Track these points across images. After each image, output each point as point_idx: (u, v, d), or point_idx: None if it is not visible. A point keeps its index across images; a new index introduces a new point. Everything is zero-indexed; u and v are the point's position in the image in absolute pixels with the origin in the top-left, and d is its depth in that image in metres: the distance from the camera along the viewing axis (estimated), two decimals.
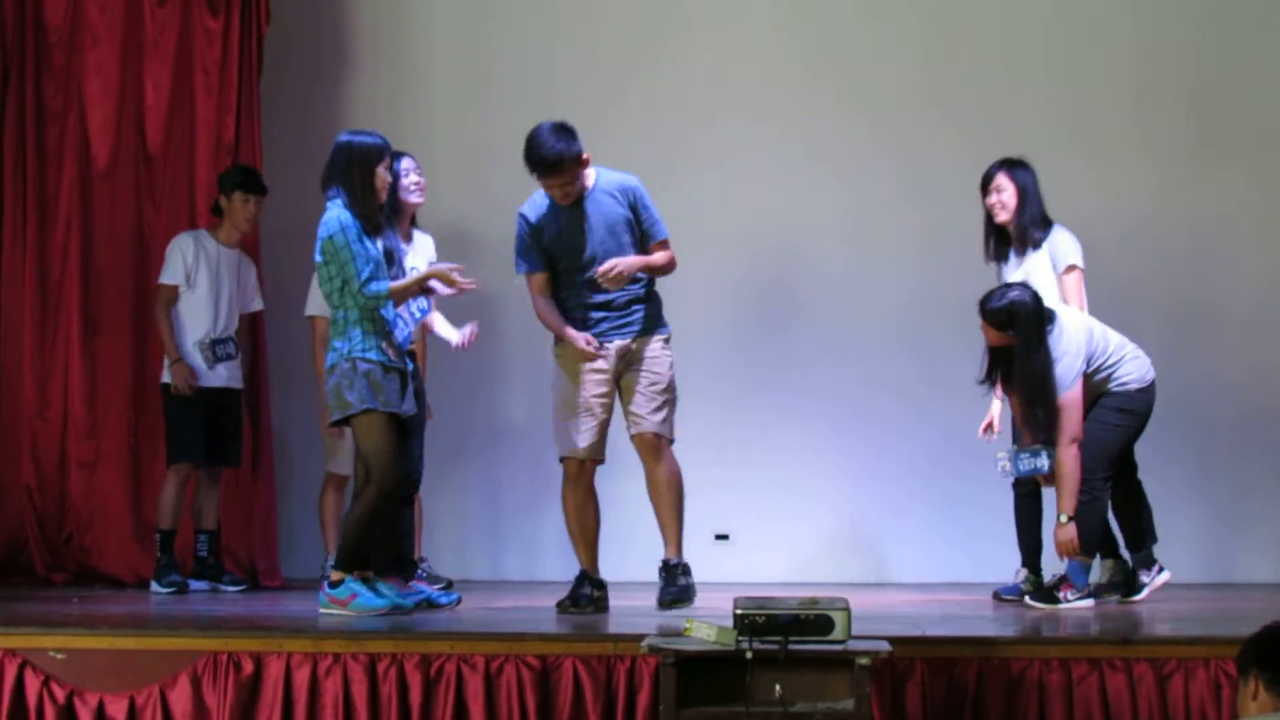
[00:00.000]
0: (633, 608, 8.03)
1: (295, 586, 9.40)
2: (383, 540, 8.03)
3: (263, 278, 9.64)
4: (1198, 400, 9.91)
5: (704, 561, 8.33)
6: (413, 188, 8.73)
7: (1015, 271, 8.71)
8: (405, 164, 8.64)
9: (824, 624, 5.88)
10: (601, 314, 7.98)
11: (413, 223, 8.94)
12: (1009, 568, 8.73)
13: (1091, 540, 8.24)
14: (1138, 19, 10.21)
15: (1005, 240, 8.82)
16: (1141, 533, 8.56)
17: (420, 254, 8.88)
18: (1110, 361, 8.28)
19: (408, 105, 10.39)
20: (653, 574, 7.91)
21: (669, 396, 7.98)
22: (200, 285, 9.24)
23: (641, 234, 8.00)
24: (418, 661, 6.58)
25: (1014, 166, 8.76)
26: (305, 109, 10.30)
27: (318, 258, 7.73)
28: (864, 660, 5.83)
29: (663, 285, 8.16)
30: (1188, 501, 9.84)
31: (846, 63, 10.30)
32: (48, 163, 9.62)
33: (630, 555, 8.77)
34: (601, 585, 8.00)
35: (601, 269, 7.84)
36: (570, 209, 7.96)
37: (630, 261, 7.89)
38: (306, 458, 9.89)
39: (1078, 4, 10.30)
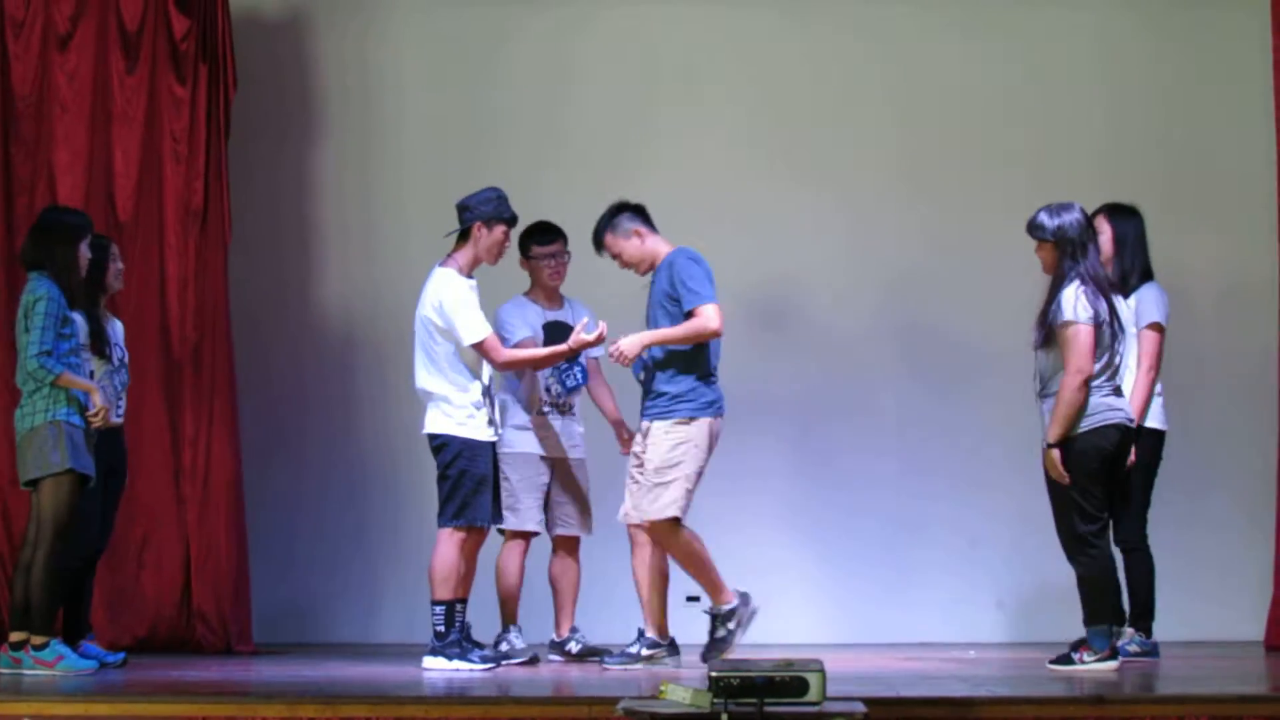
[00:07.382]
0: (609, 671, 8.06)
1: (280, 652, 9.38)
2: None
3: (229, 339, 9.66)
4: None
5: (676, 623, 8.35)
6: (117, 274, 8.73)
7: None
8: (114, 250, 8.67)
9: (799, 686, 5.88)
10: None
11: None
12: (981, 629, 8.72)
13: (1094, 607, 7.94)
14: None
15: None
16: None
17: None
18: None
19: (376, 169, 10.42)
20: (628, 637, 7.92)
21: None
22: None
23: None
24: None
25: (1115, 212, 8.43)
26: (274, 173, 10.33)
27: (22, 322, 8.02)
28: None
29: None
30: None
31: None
32: (16, 231, 9.55)
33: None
34: None
35: None
36: None
37: None
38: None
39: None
